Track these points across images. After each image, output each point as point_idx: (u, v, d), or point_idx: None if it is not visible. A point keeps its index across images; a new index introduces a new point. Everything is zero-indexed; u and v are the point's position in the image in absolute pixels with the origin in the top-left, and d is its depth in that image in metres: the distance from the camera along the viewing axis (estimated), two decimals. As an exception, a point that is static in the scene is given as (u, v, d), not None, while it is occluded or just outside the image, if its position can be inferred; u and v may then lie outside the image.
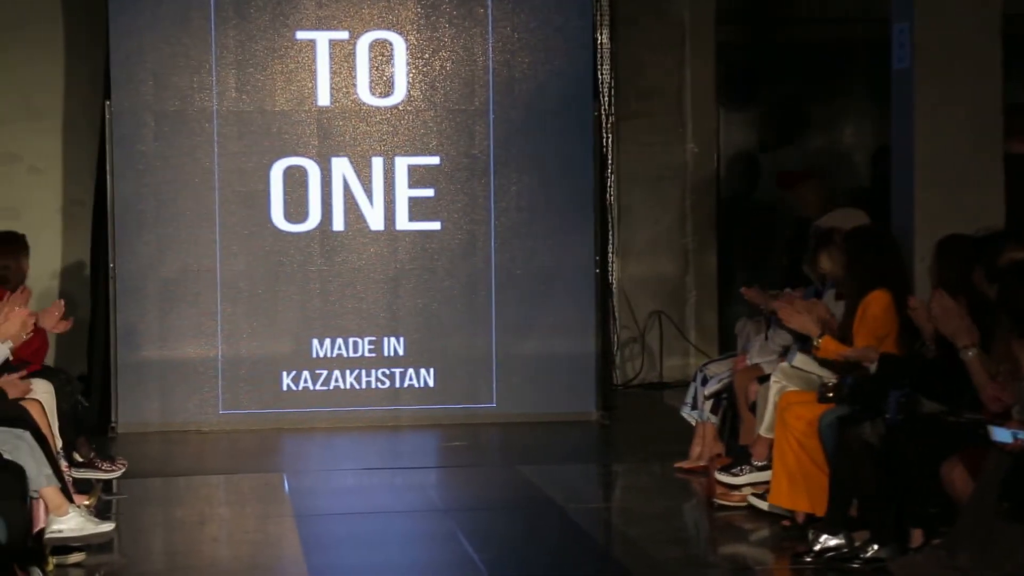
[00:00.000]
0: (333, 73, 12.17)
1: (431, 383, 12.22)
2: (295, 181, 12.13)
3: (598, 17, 12.87)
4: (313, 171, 12.14)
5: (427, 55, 12.22)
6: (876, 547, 7.91)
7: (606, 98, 13.04)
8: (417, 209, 12.24)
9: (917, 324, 8.43)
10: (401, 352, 12.19)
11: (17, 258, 10.05)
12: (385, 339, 12.18)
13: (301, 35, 12.13)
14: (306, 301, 12.15)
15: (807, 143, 15.37)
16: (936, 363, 8.17)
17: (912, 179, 10.64)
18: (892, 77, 11.03)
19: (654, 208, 13.84)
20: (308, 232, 12.17)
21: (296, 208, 12.14)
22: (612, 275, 13.25)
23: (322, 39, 12.15)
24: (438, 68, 12.24)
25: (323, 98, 12.17)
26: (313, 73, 12.14)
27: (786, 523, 8.81)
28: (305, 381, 12.11)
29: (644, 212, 13.82)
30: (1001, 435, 6.97)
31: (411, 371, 12.20)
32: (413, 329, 12.21)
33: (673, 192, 13.87)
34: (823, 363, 8.93)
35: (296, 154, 12.14)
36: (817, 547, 8.07)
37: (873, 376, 8.43)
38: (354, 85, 12.19)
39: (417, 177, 12.23)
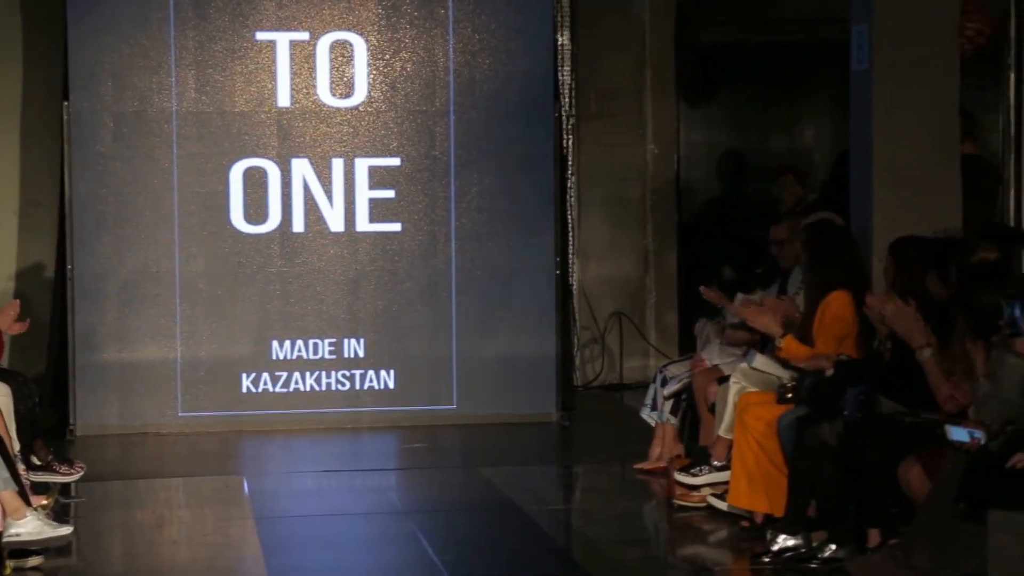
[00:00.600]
0: (293, 74, 12.17)
1: (391, 385, 12.23)
2: (255, 182, 12.13)
3: (559, 18, 12.91)
4: (273, 172, 12.14)
5: (388, 56, 12.24)
6: (834, 547, 7.96)
7: (567, 99, 13.08)
8: (377, 210, 12.25)
9: (873, 323, 8.50)
10: (361, 354, 12.20)
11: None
12: (345, 341, 12.19)
13: (261, 36, 12.13)
14: (266, 302, 12.14)
15: (769, 144, 15.43)
16: (893, 363, 8.24)
17: (870, 180, 10.70)
18: (851, 78, 11.10)
19: (615, 209, 13.87)
20: (268, 233, 12.17)
21: (256, 209, 12.14)
22: (572, 276, 13.29)
23: (282, 40, 12.15)
24: (399, 69, 12.25)
25: (283, 99, 12.17)
26: (273, 74, 12.14)
27: (745, 523, 8.86)
28: (265, 383, 12.11)
29: (605, 213, 13.85)
30: (958, 434, 7.04)
31: (371, 373, 12.21)
32: (373, 331, 12.22)
33: (634, 193, 13.90)
34: (785, 364, 8.99)
35: (256, 155, 12.13)
36: (775, 547, 8.13)
37: (831, 377, 8.48)
38: (314, 86, 12.19)
39: (377, 178, 12.23)
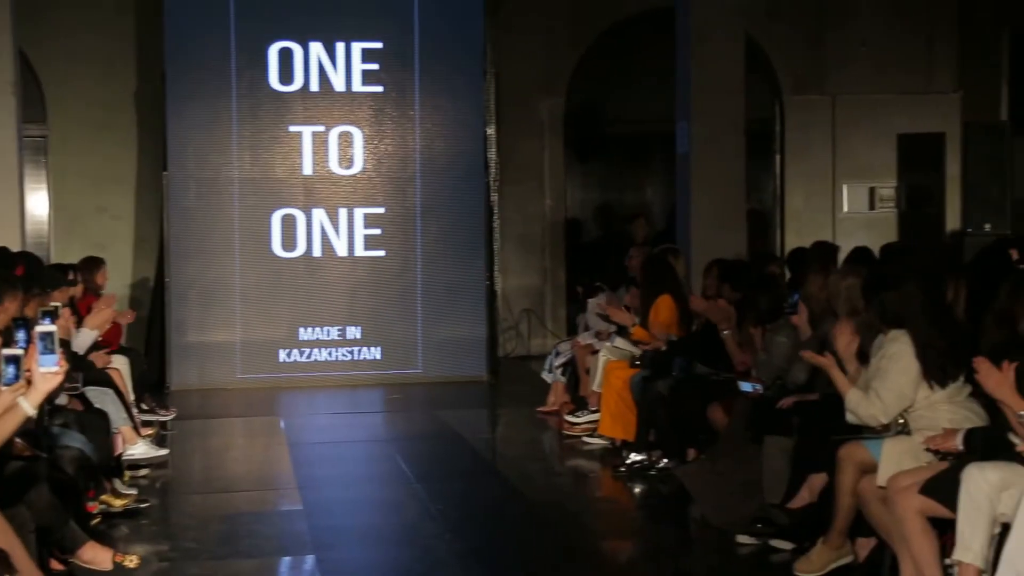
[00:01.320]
0: (314, 153, 12.13)
1: (379, 357, 12.18)
2: (288, 224, 12.07)
3: (487, 116, 12.91)
4: (300, 217, 12.09)
5: (376, 141, 12.22)
6: (665, 461, 7.99)
7: (492, 171, 13.07)
8: (369, 242, 12.21)
9: (696, 313, 8.56)
10: (359, 336, 12.15)
11: (94, 273, 9.94)
12: (348, 328, 12.14)
13: (293, 128, 12.08)
14: (295, 303, 12.08)
15: (624, 198, 15.49)
16: (705, 340, 8.29)
17: (689, 224, 10.80)
18: (677, 158, 11.17)
19: (524, 242, 13.87)
20: (297, 257, 12.10)
21: (288, 241, 12.08)
22: (497, 285, 13.28)
23: (306, 131, 12.10)
24: (383, 150, 12.23)
25: (307, 169, 12.11)
26: (300, 153, 12.09)
27: (609, 446, 8.87)
28: (295, 356, 12.03)
29: (517, 244, 13.85)
30: (745, 387, 7.11)
31: (365, 349, 12.16)
32: (367, 321, 12.17)
33: (536, 231, 13.91)
34: (635, 343, 9.01)
35: (289, 206, 12.07)
36: (628, 461, 8.16)
37: (664, 351, 8.52)
38: (327, 161, 12.16)
39: (369, 221, 12.19)
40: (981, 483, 4.81)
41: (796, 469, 6.40)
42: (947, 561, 5.06)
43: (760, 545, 6.34)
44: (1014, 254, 7.95)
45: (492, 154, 13.16)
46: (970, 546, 4.80)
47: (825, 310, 6.84)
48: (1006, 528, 4.75)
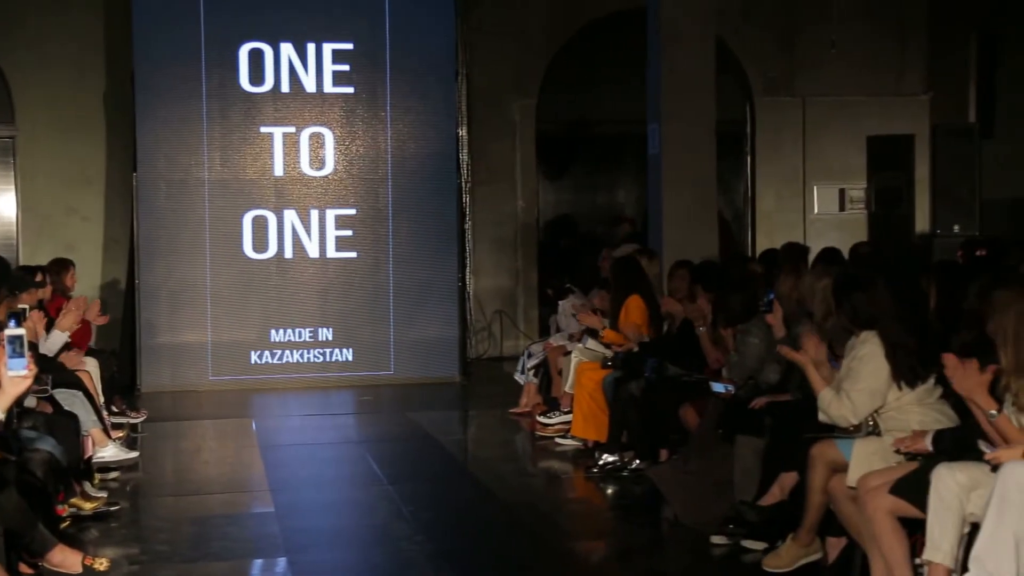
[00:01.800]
0: (285, 154, 12.09)
1: (351, 358, 12.17)
2: (259, 225, 12.04)
3: (459, 117, 12.91)
4: (271, 219, 12.06)
5: (347, 142, 12.20)
6: (638, 461, 8.02)
7: (465, 172, 13.08)
8: (341, 244, 12.19)
9: (668, 313, 8.58)
10: (330, 338, 12.13)
11: (63, 275, 9.90)
12: (319, 329, 12.12)
13: (263, 129, 12.04)
14: (267, 304, 12.04)
15: (596, 199, 15.53)
16: (680, 338, 8.31)
17: (661, 224, 10.81)
18: (648, 159, 11.19)
19: (496, 243, 13.88)
20: (268, 259, 12.07)
21: (260, 243, 12.05)
22: (469, 287, 13.29)
23: (277, 132, 12.07)
24: (354, 151, 12.21)
25: (278, 170, 12.09)
26: (271, 154, 12.06)
27: (581, 447, 8.88)
28: (266, 358, 12.02)
29: (489, 245, 13.86)
30: (717, 387, 7.12)
31: (337, 351, 12.15)
32: (338, 322, 12.15)
33: (509, 233, 13.93)
34: (606, 345, 9.03)
35: (260, 207, 12.04)
36: (600, 462, 8.16)
37: (635, 353, 8.54)
38: (298, 162, 12.13)
39: (341, 222, 12.18)
40: (950, 483, 4.84)
41: (767, 468, 6.43)
42: (917, 561, 5.09)
43: (732, 545, 6.35)
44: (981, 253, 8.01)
45: (464, 155, 13.16)
46: (940, 546, 4.83)
47: (796, 311, 6.88)
48: (975, 528, 4.78)
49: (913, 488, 4.99)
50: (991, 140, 13.22)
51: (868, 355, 5.68)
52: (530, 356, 10.28)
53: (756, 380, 7.05)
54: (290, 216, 12.05)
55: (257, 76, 11.98)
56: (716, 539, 6.43)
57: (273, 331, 12.00)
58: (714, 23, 11.05)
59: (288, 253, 12.07)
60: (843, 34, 13.80)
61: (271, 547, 6.50)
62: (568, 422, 9.14)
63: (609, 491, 7.84)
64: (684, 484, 6.92)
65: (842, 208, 14.07)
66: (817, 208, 14.09)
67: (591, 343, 9.15)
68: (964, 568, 4.77)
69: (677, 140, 10.73)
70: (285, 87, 12.03)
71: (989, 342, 5.12)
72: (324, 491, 8.02)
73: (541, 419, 9.54)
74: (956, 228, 12.41)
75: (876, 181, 13.07)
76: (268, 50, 11.98)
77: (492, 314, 13.77)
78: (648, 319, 8.76)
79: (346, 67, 12.10)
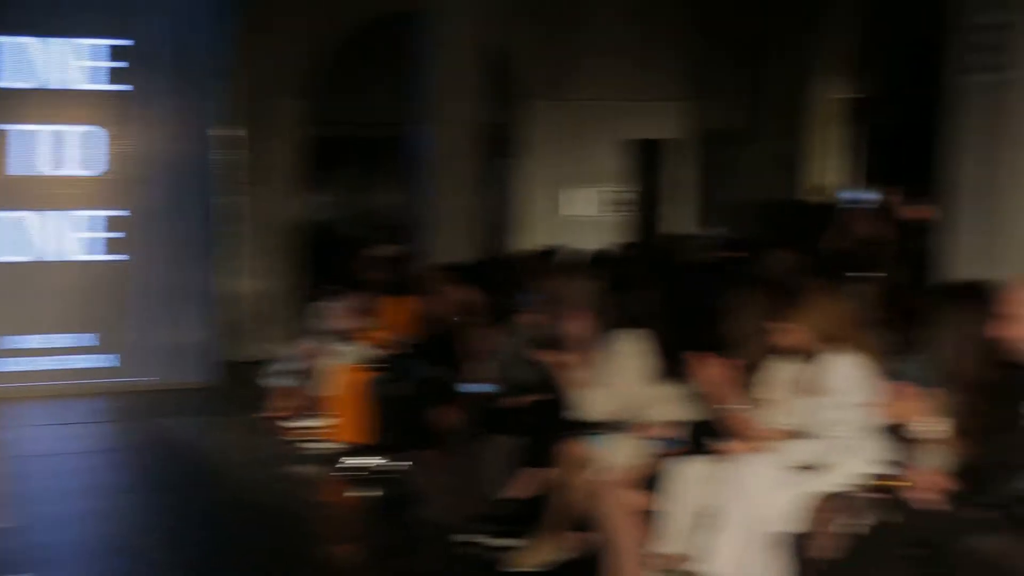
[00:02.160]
0: (41, 153, 11.30)
1: (99, 365, 11.54)
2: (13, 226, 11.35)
3: (228, 117, 12.35)
4: (27, 220, 11.36)
5: (109, 141, 11.51)
6: (395, 463, 7.99)
7: (236, 173, 12.61)
8: (96, 246, 11.56)
9: (432, 314, 8.54)
10: (79, 344, 11.44)
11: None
12: (69, 335, 11.42)
13: (20, 127, 11.32)
14: (15, 309, 11.27)
15: (366, 202, 15.45)
16: (441, 342, 8.29)
17: (428, 227, 10.87)
18: (416, 162, 11.23)
19: (260, 244, 13.45)
20: (21, 262, 11.33)
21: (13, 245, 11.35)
22: (230, 289, 12.83)
23: (35, 129, 11.28)
24: (114, 151, 11.53)
25: (31, 169, 11.25)
26: (26, 152, 11.26)
27: (337, 450, 8.64)
28: (10, 365, 11.26)
29: (254, 247, 13.43)
30: (472, 388, 7.20)
31: (85, 357, 11.44)
32: (91, 327, 11.49)
33: (273, 233, 13.58)
34: (370, 347, 8.88)
35: (11, 208, 11.30)
36: (356, 464, 8.13)
37: (397, 355, 8.48)
38: (56, 161, 11.33)
39: (99, 224, 11.53)
40: (685, 476, 5.05)
41: (521, 466, 6.50)
42: (651, 551, 5.22)
43: (485, 544, 6.41)
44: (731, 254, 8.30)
45: (234, 156, 12.82)
46: (672, 537, 5.02)
47: (553, 311, 6.95)
48: (708, 519, 4.94)
49: (650, 482, 5.18)
50: (755, 143, 13.73)
51: (625, 352, 5.86)
52: (286, 359, 10.08)
53: (512, 379, 7.08)
54: (44, 217, 11.39)
55: (15, 71, 11.34)
56: (469, 538, 6.46)
57: (19, 337, 11.32)
58: (482, 26, 11.15)
59: (44, 256, 11.43)
60: (608, 39, 14.13)
61: (13, 564, 6.31)
62: (323, 425, 9.01)
63: (365, 494, 7.79)
64: (440, 484, 6.99)
65: (598, 210, 14.35)
66: (574, 210, 14.35)
67: (352, 345, 9.06)
68: (696, 559, 4.92)
69: (444, 143, 10.84)
70: (51, 83, 11.38)
71: (731, 340, 5.34)
72: (67, 503, 7.71)
73: (293, 423, 9.41)
74: (710, 230, 12.84)
75: (634, 184, 13.41)
76: (32, 43, 11.35)
77: (251, 316, 13.42)
78: (411, 321, 8.74)
79: (120, 64, 11.54)
